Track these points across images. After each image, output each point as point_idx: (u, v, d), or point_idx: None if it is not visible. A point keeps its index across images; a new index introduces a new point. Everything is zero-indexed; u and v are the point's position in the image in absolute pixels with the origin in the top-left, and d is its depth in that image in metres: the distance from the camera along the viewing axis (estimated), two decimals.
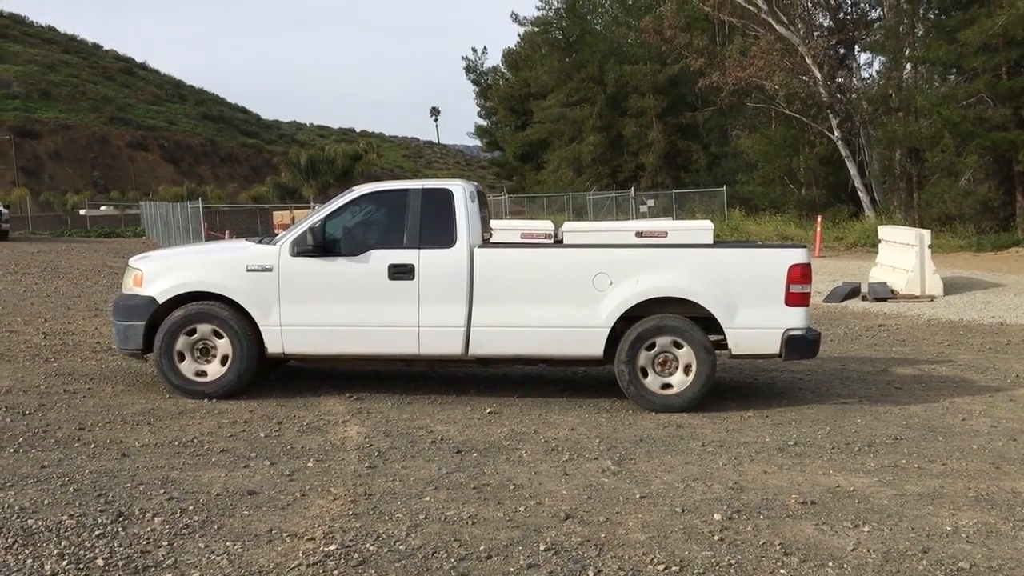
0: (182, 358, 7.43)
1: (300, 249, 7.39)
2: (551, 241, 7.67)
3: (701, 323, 7.25)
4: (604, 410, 7.29)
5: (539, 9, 49.46)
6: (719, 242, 8.10)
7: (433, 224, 7.40)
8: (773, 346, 7.22)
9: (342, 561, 4.13)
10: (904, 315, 13.17)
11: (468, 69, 65.37)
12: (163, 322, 7.42)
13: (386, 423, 6.75)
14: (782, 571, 4.09)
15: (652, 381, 7.25)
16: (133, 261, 7.94)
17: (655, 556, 4.23)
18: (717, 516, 4.78)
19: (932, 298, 14.58)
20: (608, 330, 7.23)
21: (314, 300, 7.42)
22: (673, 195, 35.36)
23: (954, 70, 27.35)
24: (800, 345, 7.22)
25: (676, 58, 36.05)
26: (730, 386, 8.24)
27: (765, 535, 4.52)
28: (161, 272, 7.65)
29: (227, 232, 27.88)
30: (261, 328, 7.42)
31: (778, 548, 4.35)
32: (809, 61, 29.35)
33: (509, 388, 8.11)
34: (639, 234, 7.66)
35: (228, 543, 4.33)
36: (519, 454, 5.96)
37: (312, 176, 47.85)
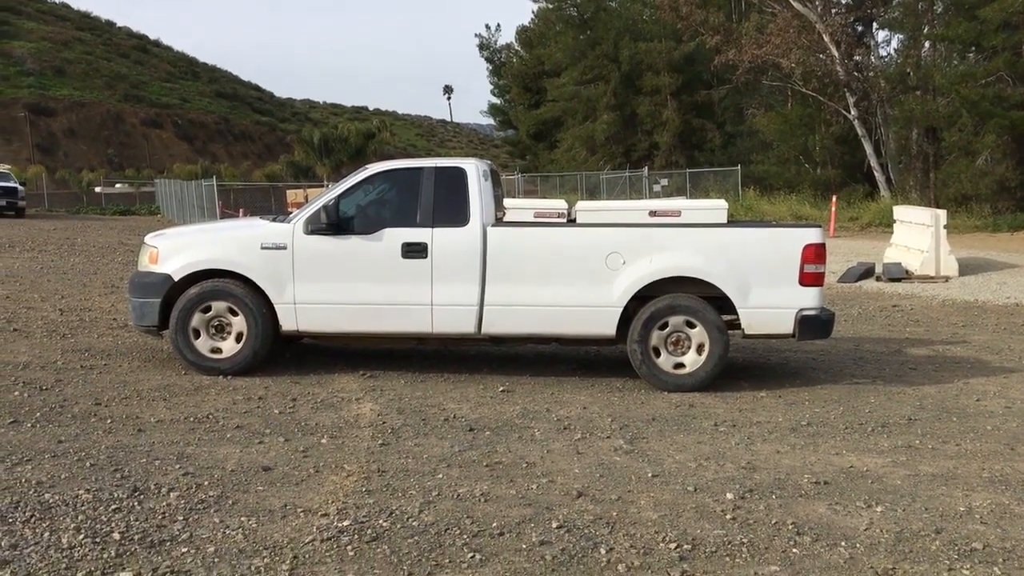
0: (197, 335, 7.48)
1: (314, 227, 7.40)
2: (564, 220, 7.65)
3: (714, 303, 7.23)
4: (616, 389, 7.30)
5: None
6: (733, 221, 8.05)
7: (446, 203, 7.40)
8: (786, 326, 7.19)
9: (355, 537, 4.16)
10: (919, 295, 13.10)
11: (481, 47, 65.17)
12: (179, 299, 7.47)
13: (399, 401, 6.78)
14: (794, 550, 4.09)
15: (664, 361, 7.25)
16: (149, 238, 7.99)
17: (667, 534, 4.24)
18: (729, 495, 4.78)
19: (947, 278, 14.50)
20: (621, 309, 7.22)
21: (328, 278, 7.43)
22: (687, 174, 35.16)
23: (973, 48, 27.04)
24: (814, 325, 7.20)
25: (692, 35, 35.78)
26: (743, 366, 8.23)
27: (777, 514, 4.52)
28: (177, 250, 7.69)
29: (241, 210, 27.96)
30: (275, 306, 7.46)
31: (790, 527, 4.35)
32: (826, 39, 29.03)
33: (521, 367, 8.12)
34: (652, 213, 7.61)
35: (243, 518, 4.37)
36: (531, 432, 5.98)
37: (325, 154, 47.77)
